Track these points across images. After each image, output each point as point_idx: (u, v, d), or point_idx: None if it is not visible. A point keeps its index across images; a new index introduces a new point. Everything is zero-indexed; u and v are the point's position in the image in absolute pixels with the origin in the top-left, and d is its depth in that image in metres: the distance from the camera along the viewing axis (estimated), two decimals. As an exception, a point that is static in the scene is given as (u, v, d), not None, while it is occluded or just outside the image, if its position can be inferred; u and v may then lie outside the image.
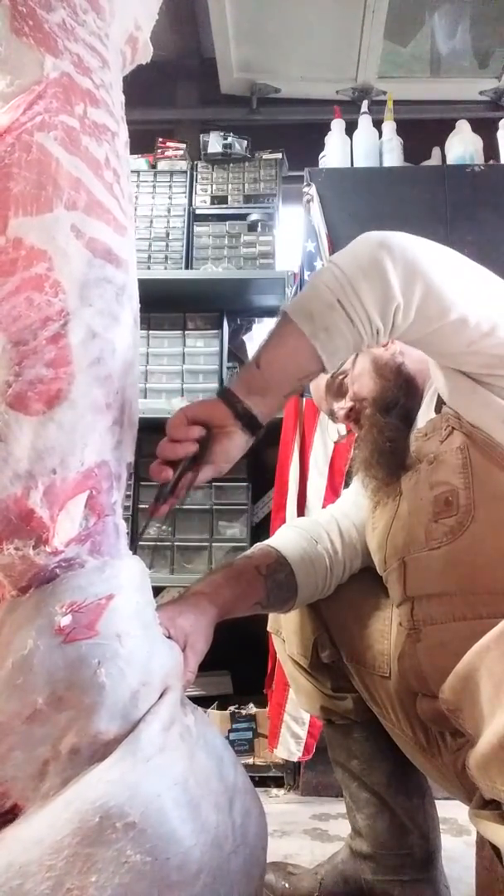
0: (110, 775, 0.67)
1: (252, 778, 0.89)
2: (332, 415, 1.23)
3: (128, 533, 0.89)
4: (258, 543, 1.23)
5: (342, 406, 1.18)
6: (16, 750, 0.70)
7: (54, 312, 0.75)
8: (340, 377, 1.18)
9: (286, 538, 1.22)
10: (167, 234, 2.47)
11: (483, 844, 0.72)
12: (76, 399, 0.76)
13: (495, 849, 0.68)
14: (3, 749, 0.70)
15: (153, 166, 2.58)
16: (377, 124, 2.33)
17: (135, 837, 0.63)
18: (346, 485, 1.81)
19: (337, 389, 1.19)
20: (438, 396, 1.06)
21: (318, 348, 0.85)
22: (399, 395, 1.13)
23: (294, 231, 2.41)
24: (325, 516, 1.29)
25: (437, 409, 1.06)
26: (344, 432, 1.30)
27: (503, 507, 0.96)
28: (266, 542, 1.22)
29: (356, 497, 1.28)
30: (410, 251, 0.87)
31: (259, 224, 2.47)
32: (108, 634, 0.73)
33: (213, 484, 2.20)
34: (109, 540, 0.81)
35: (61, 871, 0.61)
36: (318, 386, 1.22)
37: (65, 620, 0.72)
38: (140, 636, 0.77)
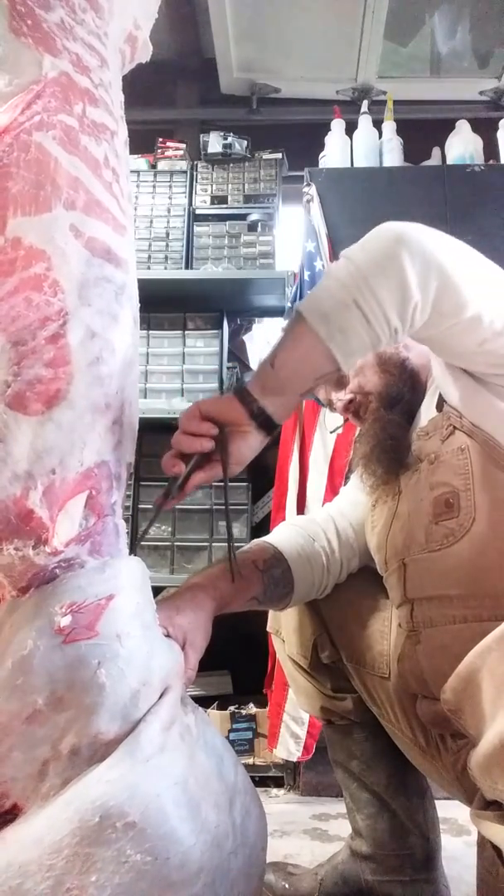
0: (110, 775, 0.67)
1: (252, 778, 0.89)
2: (330, 405, 1.22)
3: (128, 533, 0.89)
4: (255, 540, 1.23)
5: (341, 397, 1.17)
6: (15, 750, 0.70)
7: (53, 312, 0.75)
8: None
9: (283, 535, 1.22)
10: (167, 234, 2.47)
11: (484, 845, 0.73)
12: (75, 399, 0.76)
13: (497, 849, 0.68)
14: (2, 749, 0.70)
15: (153, 166, 2.58)
16: (377, 124, 2.33)
17: (135, 837, 0.63)
18: (346, 483, 1.81)
19: (337, 380, 1.16)
20: (440, 395, 1.05)
21: (334, 350, 0.83)
22: (404, 390, 1.12)
23: (294, 231, 2.40)
24: (323, 515, 1.29)
25: (439, 408, 1.05)
26: (341, 423, 1.29)
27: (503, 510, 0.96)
28: (263, 538, 1.22)
29: (354, 495, 1.28)
30: (428, 245, 0.84)
31: (259, 224, 2.46)
32: (108, 635, 0.73)
33: (213, 483, 2.19)
34: (109, 540, 0.81)
35: (61, 870, 0.61)
36: None
37: (65, 621, 0.72)
38: (140, 636, 0.77)
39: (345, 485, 1.80)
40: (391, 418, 1.11)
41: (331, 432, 1.91)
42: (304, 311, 0.84)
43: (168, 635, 0.88)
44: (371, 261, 0.83)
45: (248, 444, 0.86)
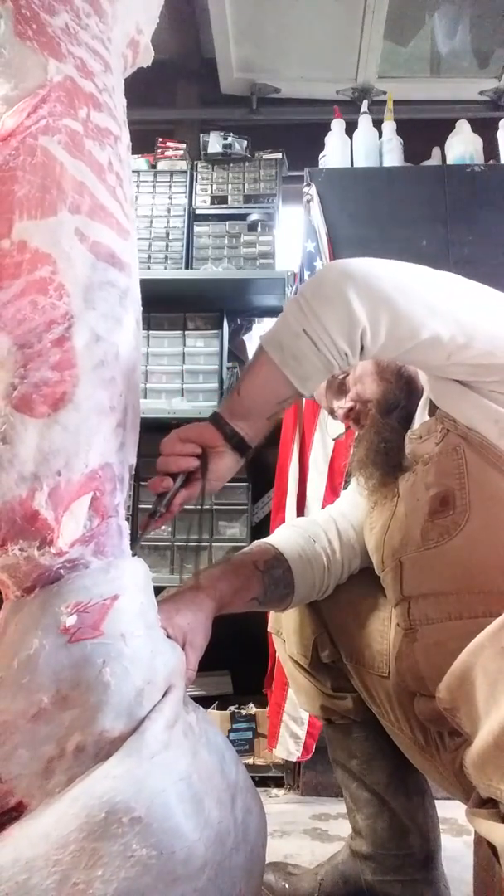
0: (116, 771, 0.67)
1: (252, 778, 0.90)
2: (332, 413, 1.24)
3: (129, 533, 0.90)
4: (256, 541, 1.24)
5: (342, 405, 1.20)
6: (21, 748, 0.70)
7: (59, 315, 0.76)
8: (342, 376, 1.19)
9: (284, 536, 1.22)
10: (167, 234, 2.47)
11: (481, 843, 0.73)
12: (81, 401, 0.77)
13: (493, 847, 0.69)
14: (8, 747, 0.70)
15: (153, 166, 2.59)
16: (377, 124, 2.33)
17: (140, 832, 0.64)
18: (346, 485, 1.81)
19: (338, 388, 1.20)
20: (431, 400, 1.08)
21: (289, 375, 0.90)
22: (401, 396, 1.15)
23: (294, 231, 2.41)
24: (324, 516, 1.30)
25: (431, 412, 1.08)
26: (343, 430, 1.31)
27: (498, 508, 0.97)
28: (264, 539, 1.23)
29: (355, 497, 1.29)
30: (374, 275, 0.90)
31: (259, 224, 2.47)
32: (113, 634, 0.74)
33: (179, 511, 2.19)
34: (113, 541, 0.82)
35: (67, 865, 0.62)
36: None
37: (70, 620, 0.72)
38: (144, 636, 0.78)
39: (345, 486, 1.82)
40: (387, 423, 1.13)
41: (333, 439, 1.92)
42: (262, 342, 0.92)
43: (168, 636, 0.89)
44: (318, 293, 0.90)
45: (226, 464, 0.93)
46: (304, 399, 2.00)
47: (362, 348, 0.90)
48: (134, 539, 0.89)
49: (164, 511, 0.92)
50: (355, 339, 0.89)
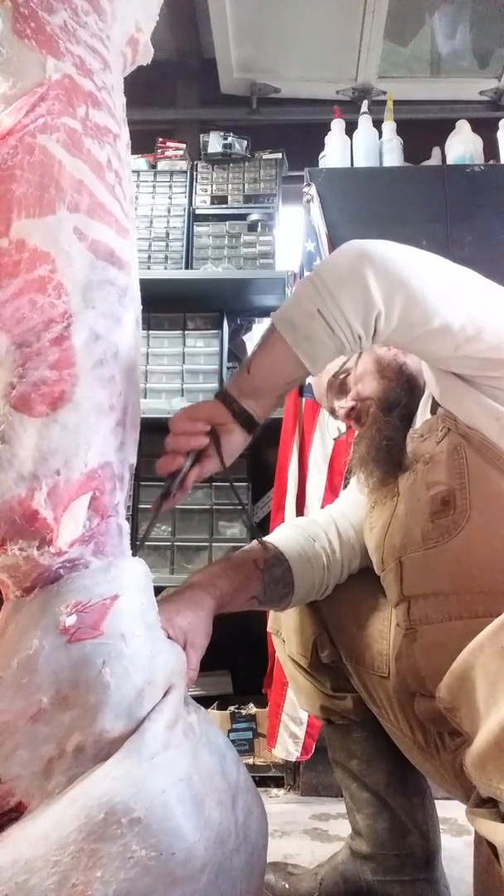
0: (116, 772, 0.67)
1: (252, 778, 0.90)
2: (333, 412, 1.24)
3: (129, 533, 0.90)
4: (256, 539, 1.24)
5: (343, 405, 1.19)
6: (20, 748, 0.70)
7: (57, 314, 0.75)
8: (343, 376, 1.19)
9: (284, 535, 1.22)
10: (167, 234, 2.47)
11: (481, 843, 0.73)
12: (80, 401, 0.76)
13: (493, 847, 0.69)
14: (7, 748, 0.70)
15: (153, 166, 2.59)
16: (377, 124, 2.34)
17: (140, 833, 0.64)
18: (346, 485, 1.81)
19: (339, 388, 1.20)
20: (433, 397, 1.07)
21: (301, 356, 0.89)
22: (401, 395, 1.15)
23: (294, 231, 2.41)
24: (324, 516, 1.29)
25: (433, 411, 1.07)
26: (344, 429, 1.31)
27: (498, 507, 0.97)
28: (264, 538, 1.23)
29: (355, 496, 1.29)
30: (391, 259, 0.89)
31: (259, 224, 2.47)
32: (113, 634, 0.74)
33: (213, 484, 2.21)
34: (113, 541, 0.81)
35: (67, 866, 0.62)
36: (320, 383, 1.23)
37: (70, 620, 0.72)
38: (144, 636, 0.77)
39: (344, 486, 1.81)
40: (387, 420, 1.13)
41: (333, 438, 1.92)
42: (274, 321, 0.91)
43: (168, 636, 0.88)
44: (335, 274, 0.89)
45: (235, 440, 0.93)
46: (303, 399, 2.01)
47: (375, 332, 0.89)
48: (135, 535, 0.89)
49: (178, 490, 0.92)
50: (370, 322, 0.88)
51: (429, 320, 0.89)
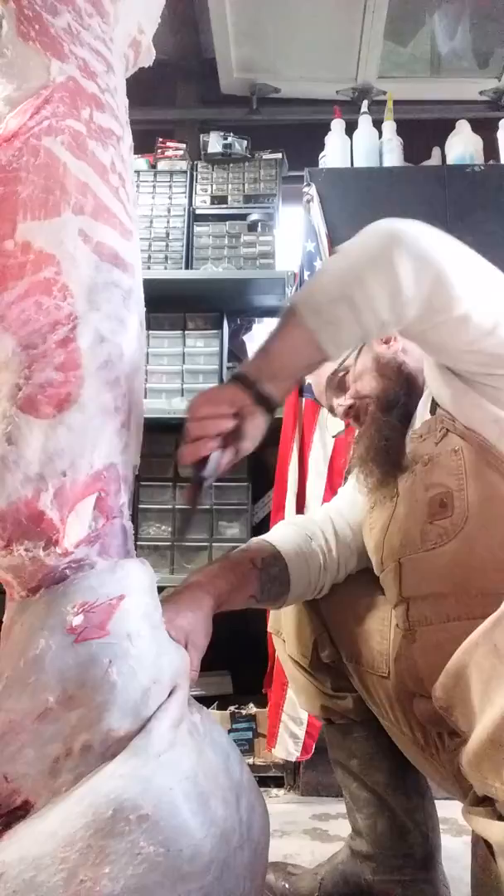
0: (123, 770, 0.68)
1: (253, 778, 0.90)
2: (332, 410, 1.24)
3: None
4: (254, 538, 1.24)
5: (342, 403, 1.19)
6: (27, 747, 0.71)
7: (63, 316, 0.76)
8: (342, 374, 1.18)
9: (281, 534, 1.22)
10: (167, 234, 2.47)
11: (478, 842, 0.73)
12: (85, 402, 0.77)
13: (489, 845, 0.69)
14: (14, 747, 0.71)
15: (153, 166, 2.58)
16: (377, 124, 2.33)
17: (148, 829, 0.64)
18: (345, 483, 1.82)
19: (338, 385, 1.19)
20: (433, 398, 1.07)
21: (323, 342, 0.86)
22: (401, 394, 1.14)
23: (294, 231, 2.41)
24: (321, 515, 1.29)
25: (432, 411, 1.07)
26: (343, 427, 1.31)
27: (497, 509, 0.97)
28: (261, 536, 1.23)
29: (353, 496, 1.28)
30: (423, 242, 0.86)
31: (259, 224, 2.47)
32: (119, 634, 0.74)
33: (213, 484, 2.20)
34: (118, 541, 0.82)
35: (74, 862, 0.62)
36: (319, 381, 1.22)
37: (76, 620, 0.73)
38: (149, 636, 0.78)
39: (343, 485, 1.82)
40: (387, 420, 1.12)
41: (332, 436, 1.92)
42: (297, 304, 0.88)
43: (170, 637, 0.89)
44: (364, 256, 0.86)
45: (257, 423, 0.89)
46: (303, 399, 2.01)
47: (400, 318, 0.87)
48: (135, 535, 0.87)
49: (211, 477, 0.88)
50: (397, 308, 0.86)
51: (451, 308, 0.87)
